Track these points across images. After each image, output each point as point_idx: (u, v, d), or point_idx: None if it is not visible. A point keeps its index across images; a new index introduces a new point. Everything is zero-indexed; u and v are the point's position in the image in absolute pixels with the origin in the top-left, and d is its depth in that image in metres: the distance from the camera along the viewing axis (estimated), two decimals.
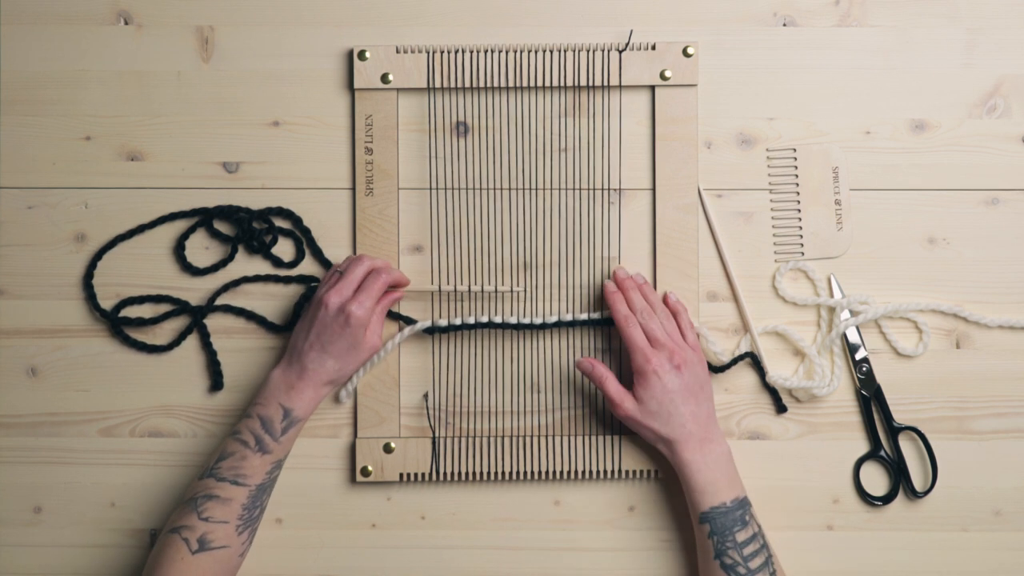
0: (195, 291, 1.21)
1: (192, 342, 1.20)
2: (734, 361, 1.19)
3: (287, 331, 1.20)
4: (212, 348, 1.20)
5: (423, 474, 1.19)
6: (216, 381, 1.20)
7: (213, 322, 1.21)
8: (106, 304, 1.20)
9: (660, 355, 1.13)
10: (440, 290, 1.19)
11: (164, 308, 1.21)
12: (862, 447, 1.21)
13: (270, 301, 1.21)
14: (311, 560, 1.20)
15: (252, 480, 1.10)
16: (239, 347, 1.21)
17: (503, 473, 1.19)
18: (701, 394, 1.14)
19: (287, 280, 1.21)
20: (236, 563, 1.10)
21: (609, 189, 1.20)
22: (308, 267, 1.21)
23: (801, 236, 1.21)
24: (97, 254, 1.20)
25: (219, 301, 1.21)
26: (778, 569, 1.12)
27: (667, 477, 1.20)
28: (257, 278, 1.21)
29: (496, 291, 1.19)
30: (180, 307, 1.21)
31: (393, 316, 1.20)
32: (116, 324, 1.20)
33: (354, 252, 1.20)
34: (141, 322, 1.20)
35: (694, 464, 1.12)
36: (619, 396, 1.14)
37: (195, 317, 1.20)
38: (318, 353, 1.13)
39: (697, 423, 1.13)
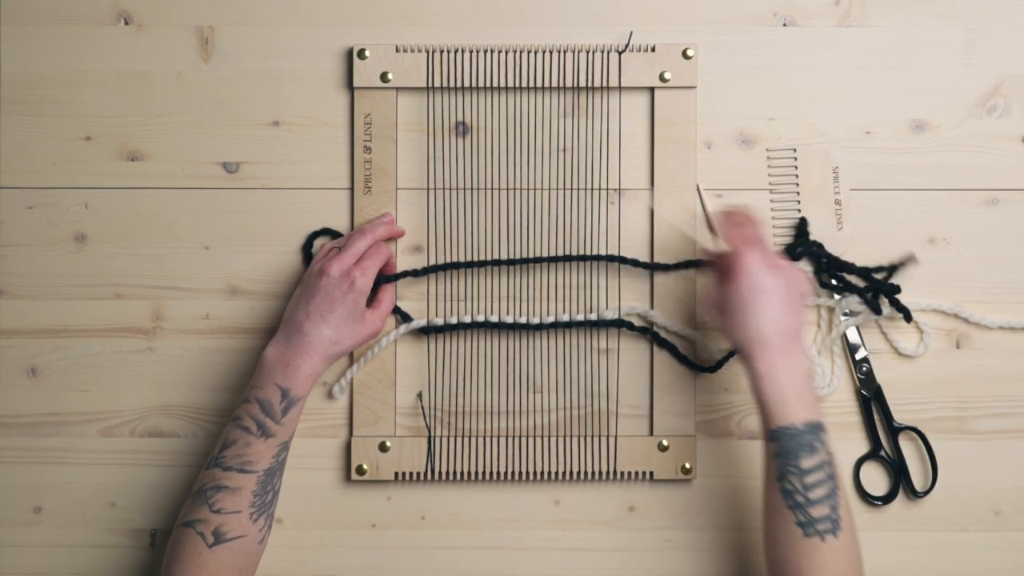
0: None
1: (192, 342, 1.21)
2: (728, 356, 1.19)
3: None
4: None
5: (420, 473, 1.19)
6: None
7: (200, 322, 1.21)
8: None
9: (756, 253, 1.07)
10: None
11: None
12: (862, 447, 1.20)
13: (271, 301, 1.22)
14: (311, 560, 1.20)
15: (259, 465, 1.09)
16: (239, 347, 1.21)
17: (500, 473, 1.19)
18: (792, 302, 1.07)
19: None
20: (256, 551, 1.09)
21: (608, 189, 1.20)
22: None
23: None
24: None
25: None
26: (843, 503, 1.03)
27: (665, 479, 1.19)
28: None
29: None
30: None
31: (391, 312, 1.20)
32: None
33: None
34: None
35: (764, 379, 1.04)
36: (716, 279, 1.11)
37: None
38: (315, 323, 1.11)
39: (777, 331, 1.05)
